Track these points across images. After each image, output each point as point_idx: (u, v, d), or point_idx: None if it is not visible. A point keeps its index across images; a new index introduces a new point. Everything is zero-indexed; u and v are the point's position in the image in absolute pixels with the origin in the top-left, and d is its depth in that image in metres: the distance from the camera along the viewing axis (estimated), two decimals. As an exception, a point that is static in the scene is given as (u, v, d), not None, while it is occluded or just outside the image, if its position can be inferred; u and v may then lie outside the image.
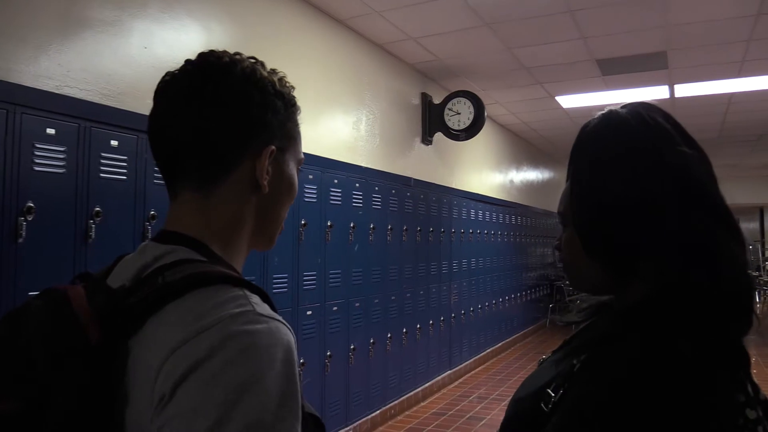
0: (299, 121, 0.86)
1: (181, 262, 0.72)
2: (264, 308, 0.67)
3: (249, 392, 0.60)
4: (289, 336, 0.66)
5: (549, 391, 0.80)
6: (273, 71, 0.83)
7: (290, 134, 0.83)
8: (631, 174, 0.80)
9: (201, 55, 0.80)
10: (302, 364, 3.65)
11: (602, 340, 0.79)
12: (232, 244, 0.79)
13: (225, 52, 0.81)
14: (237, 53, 0.81)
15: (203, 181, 0.77)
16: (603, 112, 0.88)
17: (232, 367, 0.60)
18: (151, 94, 0.79)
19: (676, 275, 0.75)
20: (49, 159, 2.27)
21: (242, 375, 0.60)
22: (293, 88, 0.85)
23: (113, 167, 2.51)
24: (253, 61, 0.81)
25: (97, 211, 2.41)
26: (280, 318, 0.68)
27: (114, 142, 2.52)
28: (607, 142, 0.84)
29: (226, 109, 0.76)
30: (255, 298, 0.69)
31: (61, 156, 2.32)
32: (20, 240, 2.16)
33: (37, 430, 0.62)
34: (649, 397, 0.68)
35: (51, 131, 2.28)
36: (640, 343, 0.73)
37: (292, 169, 0.84)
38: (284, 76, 0.84)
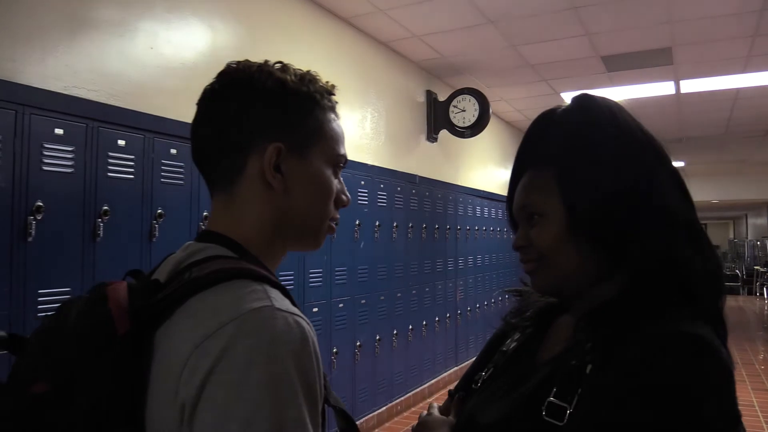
0: (331, 119, 0.85)
1: (211, 258, 0.75)
2: (283, 303, 0.70)
3: (272, 390, 0.63)
4: (307, 330, 0.68)
5: (553, 400, 0.75)
6: (286, 69, 0.83)
7: (311, 132, 0.83)
8: (628, 158, 0.82)
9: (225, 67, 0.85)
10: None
11: (614, 336, 0.74)
12: (261, 242, 0.81)
13: (247, 61, 0.84)
14: (264, 61, 0.84)
15: (225, 182, 0.82)
16: (574, 99, 0.89)
17: (253, 365, 0.63)
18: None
19: (672, 252, 0.77)
20: (58, 159, 2.30)
21: (263, 373, 0.63)
22: (325, 87, 0.86)
23: (121, 167, 2.54)
24: (278, 65, 0.83)
25: (105, 210, 2.44)
26: (299, 312, 0.70)
27: (121, 142, 2.55)
28: (597, 128, 0.84)
29: (229, 112, 0.81)
30: (274, 293, 0.71)
31: (70, 156, 2.35)
32: (30, 239, 2.19)
33: (63, 410, 0.66)
34: (697, 374, 0.69)
35: (59, 131, 2.31)
36: (664, 333, 0.72)
37: (319, 166, 0.83)
38: (305, 75, 0.84)
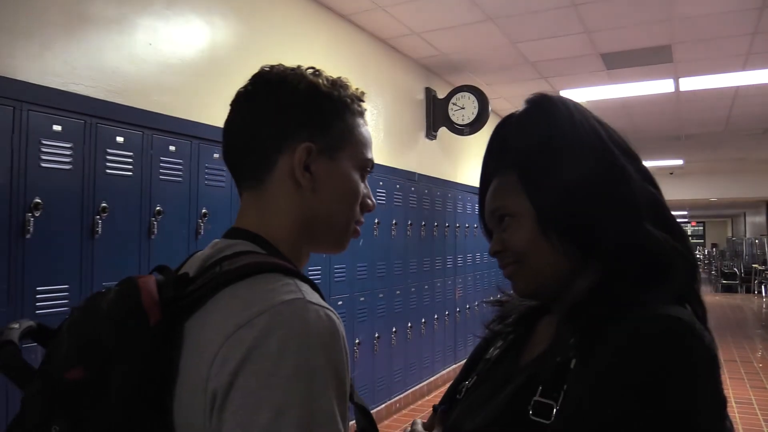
0: (360, 123, 0.88)
1: (240, 253, 0.77)
2: (314, 296, 0.71)
3: (304, 380, 0.64)
4: (337, 324, 0.70)
5: (539, 399, 0.74)
6: (318, 73, 0.86)
7: (341, 134, 0.85)
8: (586, 154, 0.83)
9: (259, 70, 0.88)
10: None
11: (595, 328, 0.74)
12: (288, 240, 0.83)
13: (280, 65, 0.86)
14: (297, 66, 0.86)
15: (255, 180, 0.84)
16: (529, 101, 0.90)
17: (286, 355, 0.64)
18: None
19: (640, 235, 0.78)
20: (56, 155, 2.30)
21: (296, 363, 0.64)
22: (355, 93, 0.88)
23: (119, 163, 2.54)
24: (311, 70, 0.86)
25: (104, 207, 2.44)
26: (328, 306, 0.71)
27: (120, 139, 2.54)
28: (553, 126, 0.85)
29: (262, 111, 0.84)
30: (305, 287, 0.72)
31: (68, 152, 2.34)
32: (28, 236, 2.18)
33: (98, 395, 0.67)
34: (680, 359, 0.69)
35: (57, 128, 2.31)
36: (644, 320, 0.71)
37: (347, 168, 0.86)
38: (337, 80, 0.87)
